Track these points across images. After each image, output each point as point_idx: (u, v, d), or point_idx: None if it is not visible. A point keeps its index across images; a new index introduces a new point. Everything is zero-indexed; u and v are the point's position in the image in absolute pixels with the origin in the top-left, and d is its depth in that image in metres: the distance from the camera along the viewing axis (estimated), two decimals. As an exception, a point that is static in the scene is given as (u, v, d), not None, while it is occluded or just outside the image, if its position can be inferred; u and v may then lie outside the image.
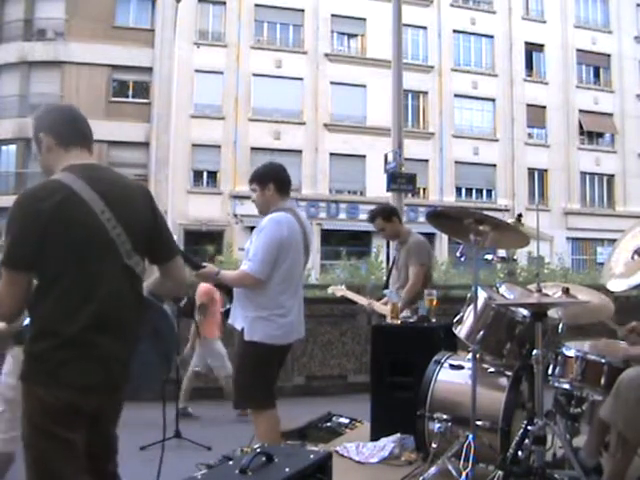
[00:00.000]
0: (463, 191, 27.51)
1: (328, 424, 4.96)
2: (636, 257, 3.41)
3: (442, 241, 22.06)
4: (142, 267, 2.28)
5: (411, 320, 4.47)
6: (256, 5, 25.53)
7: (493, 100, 28.21)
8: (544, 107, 28.75)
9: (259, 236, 3.60)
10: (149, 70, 24.18)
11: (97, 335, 2.14)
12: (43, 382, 2.09)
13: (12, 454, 3.71)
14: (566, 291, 3.65)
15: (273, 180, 3.75)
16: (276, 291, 3.59)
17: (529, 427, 3.00)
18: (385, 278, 5.95)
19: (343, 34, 27.08)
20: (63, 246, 2.11)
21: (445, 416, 3.47)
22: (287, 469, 2.21)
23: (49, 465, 2.09)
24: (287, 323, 3.63)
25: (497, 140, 27.94)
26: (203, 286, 6.55)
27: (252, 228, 4.15)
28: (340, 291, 5.71)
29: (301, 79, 25.81)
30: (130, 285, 2.26)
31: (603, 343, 3.35)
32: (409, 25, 23.62)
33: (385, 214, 5.18)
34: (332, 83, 25.94)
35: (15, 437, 3.63)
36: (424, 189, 26.11)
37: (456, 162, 27.09)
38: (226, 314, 3.80)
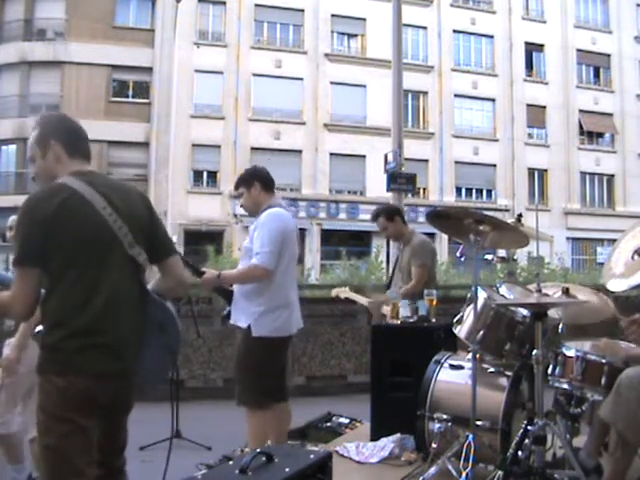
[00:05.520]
0: (463, 191, 27.52)
1: (328, 424, 4.96)
2: (636, 257, 3.41)
3: (442, 241, 22.04)
4: (144, 257, 2.39)
5: (411, 320, 4.46)
6: (256, 5, 25.53)
7: (493, 100, 28.21)
8: (544, 107, 28.75)
9: (262, 229, 3.63)
10: (149, 70, 24.18)
11: (106, 323, 2.23)
12: (60, 371, 2.17)
13: (9, 436, 3.79)
14: (566, 291, 3.65)
15: (257, 179, 3.84)
16: (280, 283, 3.64)
17: (529, 427, 3.00)
18: (388, 279, 5.93)
19: (343, 34, 27.08)
20: (68, 241, 2.22)
21: (445, 416, 3.47)
22: (287, 469, 2.21)
23: (63, 453, 2.15)
24: (290, 314, 3.71)
25: (497, 140, 27.94)
26: None
27: (252, 228, 4.17)
28: (344, 293, 5.67)
29: (301, 79, 25.80)
30: (134, 274, 2.37)
31: (604, 343, 3.34)
32: (409, 25, 23.62)
33: (388, 214, 5.19)
34: (332, 83, 25.95)
35: (11, 420, 3.76)
36: (424, 189, 26.12)
37: (456, 162, 27.09)
38: (228, 316, 3.81)
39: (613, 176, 29.52)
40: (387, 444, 3.97)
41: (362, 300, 5.54)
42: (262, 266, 3.55)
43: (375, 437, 4.17)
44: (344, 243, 21.64)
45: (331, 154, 25.64)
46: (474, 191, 27.81)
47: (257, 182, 3.81)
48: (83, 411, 2.16)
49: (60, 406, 2.16)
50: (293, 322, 3.75)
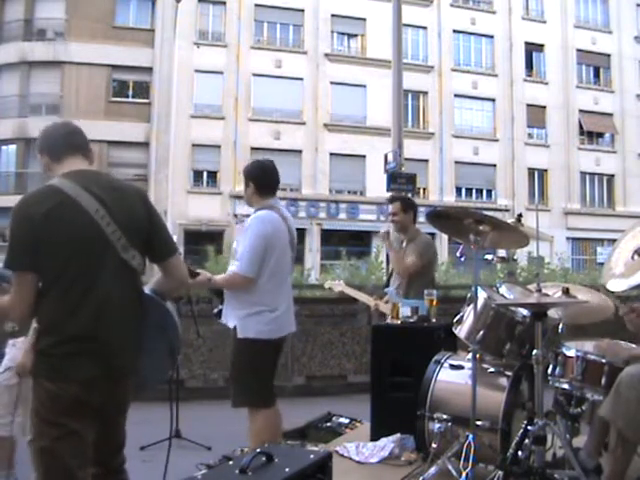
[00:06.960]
0: (463, 191, 27.52)
1: (328, 424, 4.97)
2: (636, 257, 3.40)
3: (442, 241, 22.04)
4: (139, 261, 2.36)
5: (411, 320, 4.46)
6: (256, 5, 25.53)
7: (493, 100, 28.20)
8: (544, 107, 28.75)
9: (245, 235, 3.66)
10: (149, 70, 24.18)
11: (98, 330, 2.22)
12: (49, 376, 2.18)
13: (6, 439, 3.80)
14: (566, 291, 3.65)
15: (252, 180, 3.88)
16: (265, 287, 3.63)
17: (529, 427, 3.00)
18: (386, 277, 5.92)
19: (343, 34, 27.08)
20: (60, 247, 2.21)
21: (445, 416, 3.47)
22: (287, 469, 2.21)
23: (55, 455, 2.16)
24: (277, 317, 3.66)
25: (497, 140, 27.94)
26: None
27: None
28: (338, 286, 5.60)
29: (301, 79, 25.80)
30: (128, 279, 2.34)
31: (606, 344, 3.34)
32: (409, 25, 23.61)
33: (406, 203, 5.26)
34: (332, 83, 25.94)
35: (12, 422, 3.77)
36: (424, 189, 26.10)
37: (456, 162, 27.09)
38: (218, 315, 3.82)
39: (613, 176, 29.51)
40: (387, 444, 3.97)
41: (359, 295, 5.52)
42: (241, 274, 3.60)
43: (375, 437, 4.16)
44: (344, 243, 21.66)
45: (331, 154, 25.64)
46: (474, 191, 27.81)
47: (252, 183, 3.86)
48: (74, 415, 2.17)
49: (51, 411, 2.17)
50: (281, 325, 3.71)
